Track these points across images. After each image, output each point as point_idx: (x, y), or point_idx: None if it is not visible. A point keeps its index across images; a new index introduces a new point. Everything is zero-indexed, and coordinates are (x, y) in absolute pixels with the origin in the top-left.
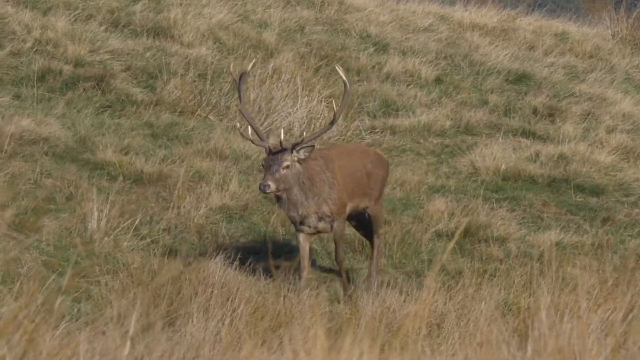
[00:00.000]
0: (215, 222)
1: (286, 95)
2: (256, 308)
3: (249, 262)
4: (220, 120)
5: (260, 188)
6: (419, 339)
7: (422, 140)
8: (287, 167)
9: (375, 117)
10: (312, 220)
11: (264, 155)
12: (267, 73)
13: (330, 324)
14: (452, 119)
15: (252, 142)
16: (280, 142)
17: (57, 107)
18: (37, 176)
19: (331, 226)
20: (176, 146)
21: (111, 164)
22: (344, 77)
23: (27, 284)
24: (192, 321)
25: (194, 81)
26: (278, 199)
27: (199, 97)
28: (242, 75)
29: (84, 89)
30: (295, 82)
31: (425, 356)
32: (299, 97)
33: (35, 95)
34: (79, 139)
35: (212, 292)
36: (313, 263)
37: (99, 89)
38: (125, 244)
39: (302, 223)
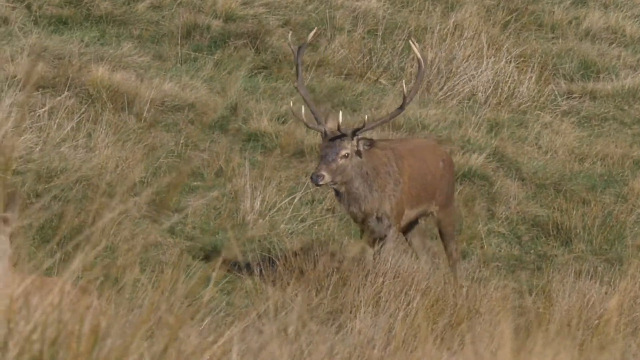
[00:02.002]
0: None
1: (469, 55)
2: (434, 301)
3: (426, 247)
4: (393, 84)
5: (312, 179)
6: (620, 337)
7: (626, 107)
8: (346, 156)
9: (572, 80)
10: (372, 220)
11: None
12: (448, 29)
13: (519, 320)
14: None
15: (307, 124)
16: (338, 126)
17: (204, 68)
18: (181, 148)
19: (385, 234)
20: (342, 113)
21: (267, 134)
22: (419, 54)
23: (170, 273)
24: (360, 316)
25: (363, 38)
26: (337, 192)
27: (368, 57)
28: (301, 47)
29: (235, 48)
30: (480, 40)
31: (630, 354)
32: (484, 57)
33: (179, 54)
34: (229, 105)
35: (383, 282)
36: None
37: (253, 47)
38: (282, 226)
39: (363, 222)
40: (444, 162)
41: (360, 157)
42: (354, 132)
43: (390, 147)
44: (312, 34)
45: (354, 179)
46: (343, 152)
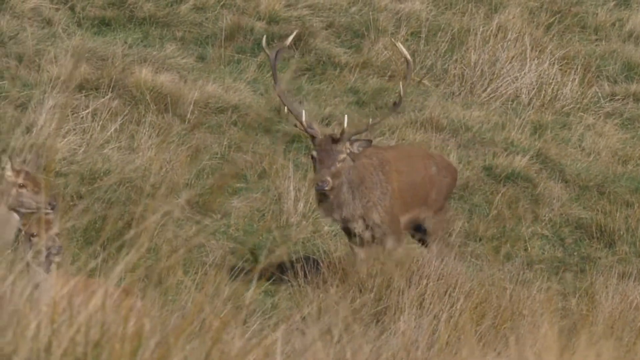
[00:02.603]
0: None
1: (512, 57)
2: (478, 303)
3: (469, 249)
4: (437, 85)
5: (317, 186)
6: None
7: None
8: (343, 159)
9: (615, 82)
10: (358, 226)
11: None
12: (491, 31)
13: (563, 321)
14: None
15: (305, 129)
16: (343, 130)
17: (248, 70)
18: (225, 150)
19: (382, 241)
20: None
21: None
22: (405, 53)
23: (213, 275)
24: (403, 317)
25: (406, 40)
26: (321, 197)
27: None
28: (278, 52)
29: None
30: (523, 42)
31: None
32: (528, 59)
33: (223, 56)
34: (273, 107)
35: (427, 284)
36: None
37: (297, 49)
38: (325, 228)
39: (345, 229)
40: (437, 167)
41: (353, 161)
42: (341, 135)
43: (376, 154)
44: (289, 38)
45: (343, 183)
46: (341, 156)
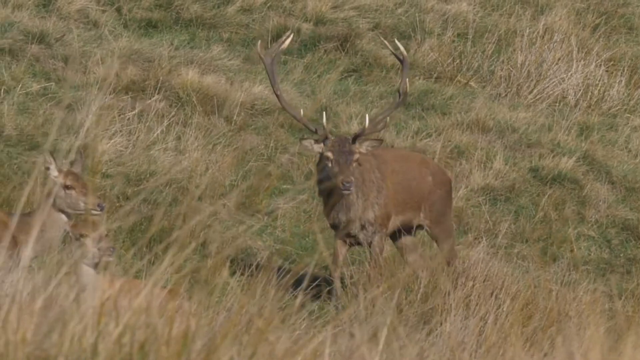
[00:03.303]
0: (476, 204)
1: (559, 58)
2: (524, 304)
3: (516, 251)
4: (483, 87)
5: (344, 187)
6: None
7: None
8: (357, 160)
9: None
10: (356, 227)
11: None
12: (538, 32)
13: (609, 323)
14: None
15: (315, 130)
16: (363, 129)
17: (295, 71)
18: (271, 151)
19: (370, 241)
20: (432, 117)
21: None
22: (402, 49)
23: (259, 275)
24: (450, 319)
25: (453, 42)
26: (329, 196)
27: (458, 61)
28: (274, 57)
29: (325, 51)
30: (570, 43)
31: None
32: (574, 61)
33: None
34: (319, 108)
35: (474, 285)
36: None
37: (343, 50)
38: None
39: (344, 229)
40: (434, 177)
41: (360, 164)
42: (355, 137)
43: (373, 153)
44: (287, 42)
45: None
46: (356, 157)
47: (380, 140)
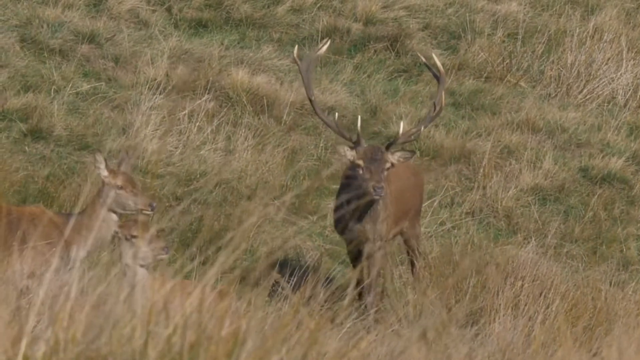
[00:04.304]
0: (526, 204)
1: (609, 59)
2: (573, 304)
3: (564, 250)
4: (533, 87)
5: (375, 192)
6: None
7: None
8: (389, 168)
9: None
10: (369, 243)
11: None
12: (587, 32)
13: None
14: None
15: (345, 137)
16: (398, 135)
17: (344, 71)
18: (321, 152)
19: (371, 254)
20: (481, 117)
21: None
22: (439, 65)
23: (309, 275)
24: (499, 319)
25: (503, 42)
26: (366, 208)
27: (508, 61)
28: (311, 61)
29: (375, 51)
30: (620, 43)
31: None
32: (624, 61)
33: (319, 58)
34: (369, 108)
35: (522, 285)
36: None
37: (393, 50)
38: (422, 229)
39: (357, 245)
40: (415, 177)
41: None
42: (388, 146)
43: None
44: (325, 47)
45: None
46: (387, 165)
47: (413, 152)
